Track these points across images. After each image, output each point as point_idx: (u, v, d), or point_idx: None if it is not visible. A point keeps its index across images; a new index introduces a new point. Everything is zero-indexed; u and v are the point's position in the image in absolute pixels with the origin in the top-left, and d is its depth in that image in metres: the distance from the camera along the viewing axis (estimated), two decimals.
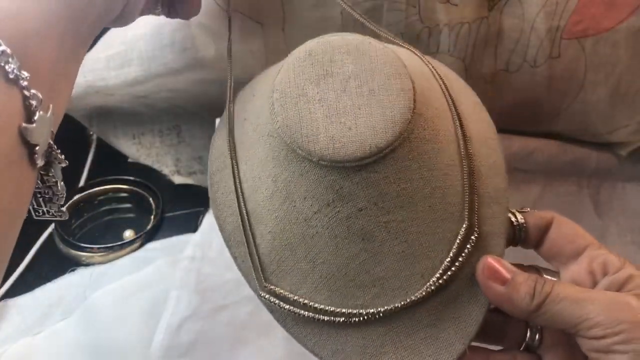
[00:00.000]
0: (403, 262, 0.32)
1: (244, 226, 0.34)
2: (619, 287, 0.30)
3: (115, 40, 0.52)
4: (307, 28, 0.49)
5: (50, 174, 0.29)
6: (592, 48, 0.48)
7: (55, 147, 0.28)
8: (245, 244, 0.33)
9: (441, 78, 0.36)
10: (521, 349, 0.35)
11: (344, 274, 0.32)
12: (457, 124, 0.34)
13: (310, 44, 0.33)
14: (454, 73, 0.40)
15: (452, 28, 0.48)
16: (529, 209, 0.35)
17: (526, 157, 0.55)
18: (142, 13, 0.38)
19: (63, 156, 0.29)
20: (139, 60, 0.51)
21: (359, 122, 0.30)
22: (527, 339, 0.34)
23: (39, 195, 0.30)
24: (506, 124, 0.56)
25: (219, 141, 0.38)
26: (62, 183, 0.30)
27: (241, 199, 0.34)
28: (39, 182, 0.29)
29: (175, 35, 0.50)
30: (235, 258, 0.35)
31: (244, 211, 0.34)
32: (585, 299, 0.28)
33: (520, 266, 0.33)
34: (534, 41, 0.48)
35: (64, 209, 0.31)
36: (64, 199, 0.31)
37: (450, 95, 0.35)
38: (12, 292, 0.48)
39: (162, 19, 0.48)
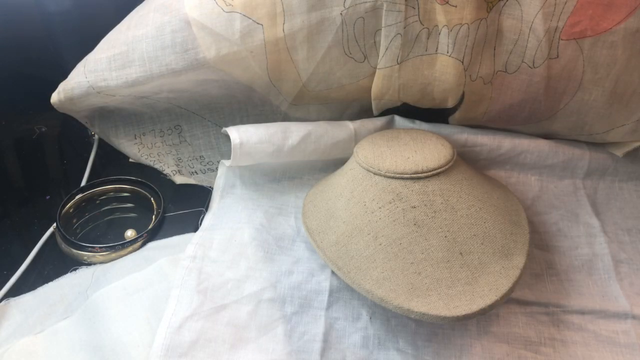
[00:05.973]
0: (446, 242, 0.43)
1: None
2: None
3: (117, 41, 0.52)
4: (306, 29, 0.50)
5: None
6: (590, 49, 0.48)
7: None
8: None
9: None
10: None
11: (399, 243, 0.43)
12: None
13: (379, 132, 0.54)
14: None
15: (451, 29, 0.49)
16: None
17: (515, 157, 0.56)
18: None
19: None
20: (140, 61, 0.51)
21: (415, 156, 0.47)
22: None
23: None
24: (504, 124, 0.56)
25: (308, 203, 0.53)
26: None
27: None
28: None
29: (176, 37, 0.50)
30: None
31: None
32: None
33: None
34: (533, 42, 0.49)
35: None
36: None
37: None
38: (14, 291, 0.48)
39: (164, 19, 0.48)
